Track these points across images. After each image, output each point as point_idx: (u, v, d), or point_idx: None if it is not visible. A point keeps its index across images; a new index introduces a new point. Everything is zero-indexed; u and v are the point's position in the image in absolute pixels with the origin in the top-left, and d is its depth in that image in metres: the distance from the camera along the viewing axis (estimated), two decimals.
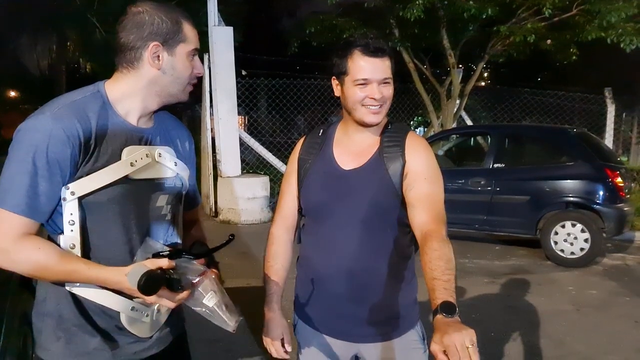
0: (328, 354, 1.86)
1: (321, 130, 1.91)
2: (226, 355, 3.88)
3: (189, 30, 1.52)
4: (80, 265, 1.38)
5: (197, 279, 1.38)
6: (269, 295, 1.83)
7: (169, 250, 1.42)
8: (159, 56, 1.47)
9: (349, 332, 1.82)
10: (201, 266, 1.43)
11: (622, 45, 9.44)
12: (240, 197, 9.22)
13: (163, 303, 1.38)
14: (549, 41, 10.79)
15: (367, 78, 1.70)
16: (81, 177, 1.39)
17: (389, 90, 1.73)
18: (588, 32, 9.75)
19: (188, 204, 1.74)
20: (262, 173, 10.64)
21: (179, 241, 1.66)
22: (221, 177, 9.47)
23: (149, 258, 1.38)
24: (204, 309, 1.40)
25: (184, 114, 18.29)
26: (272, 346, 1.78)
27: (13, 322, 2.73)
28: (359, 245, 1.75)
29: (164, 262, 1.35)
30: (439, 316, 1.33)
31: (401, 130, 1.82)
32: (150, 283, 1.29)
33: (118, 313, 1.48)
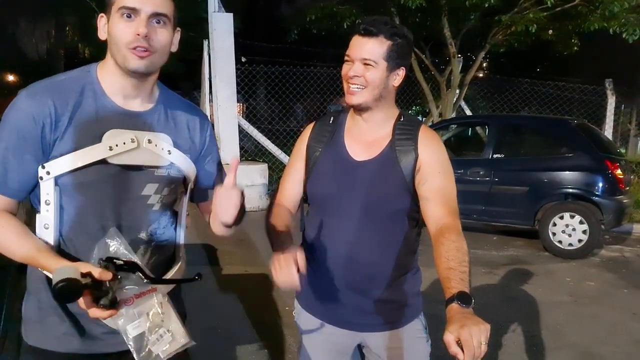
0: (331, 343, 1.85)
1: (332, 118, 1.87)
2: (225, 343, 3.88)
3: None
4: (33, 251, 1.36)
5: (130, 298, 1.30)
6: (276, 245, 1.65)
7: (123, 261, 1.30)
8: (105, 26, 1.43)
9: (353, 321, 1.81)
10: (149, 285, 1.34)
11: (624, 36, 9.39)
12: (238, 184, 9.17)
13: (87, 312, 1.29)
14: (550, 31, 10.73)
15: (348, 54, 1.70)
16: (56, 156, 1.37)
17: (371, 73, 1.67)
18: (590, 22, 9.70)
19: (206, 195, 1.65)
20: (261, 160, 10.61)
21: (175, 234, 1.61)
22: None
23: (101, 259, 1.29)
24: (124, 336, 1.32)
25: None
26: (281, 260, 1.47)
27: (13, 307, 2.72)
28: (366, 237, 1.73)
29: (97, 272, 1.23)
30: (454, 305, 1.32)
31: (413, 122, 1.79)
32: (66, 291, 1.18)
33: None
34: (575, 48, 11.18)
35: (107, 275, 1.24)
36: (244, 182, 9.19)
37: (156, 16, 1.39)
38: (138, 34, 1.36)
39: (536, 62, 20.41)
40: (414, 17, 10.79)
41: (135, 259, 1.33)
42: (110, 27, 1.40)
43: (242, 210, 1.46)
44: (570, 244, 6.75)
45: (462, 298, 1.33)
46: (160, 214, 1.53)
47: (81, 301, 1.24)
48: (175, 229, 1.62)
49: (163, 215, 1.55)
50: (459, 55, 11.98)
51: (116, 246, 1.33)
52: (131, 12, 1.37)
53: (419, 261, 1.89)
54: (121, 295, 1.29)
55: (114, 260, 1.28)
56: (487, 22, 10.98)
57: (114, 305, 1.25)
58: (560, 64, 17.50)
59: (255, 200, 9.30)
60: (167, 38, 1.43)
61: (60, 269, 1.21)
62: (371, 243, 1.74)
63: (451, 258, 1.47)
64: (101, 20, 1.44)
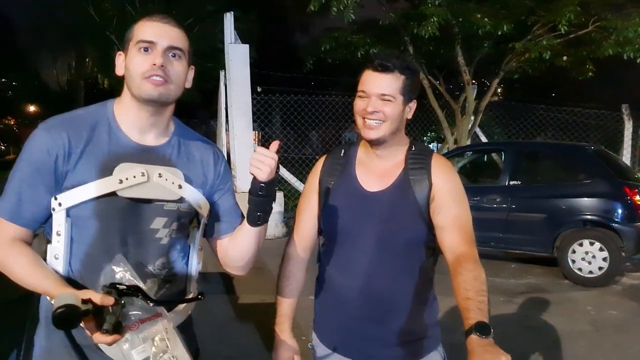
0: None
1: (342, 151, 1.89)
2: None
3: (138, 27, 1.47)
4: (42, 279, 1.38)
5: (134, 323, 1.30)
6: (281, 317, 1.83)
7: (126, 285, 1.30)
8: (123, 62, 1.49)
9: (371, 354, 1.79)
10: (155, 308, 1.34)
11: (638, 61, 9.37)
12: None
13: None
14: (564, 57, 10.75)
15: (365, 90, 1.71)
16: (68, 188, 1.41)
17: (390, 108, 1.69)
18: (604, 48, 9.71)
19: (219, 232, 1.67)
20: (276, 189, 10.62)
21: (186, 269, 1.60)
22: (236, 192, 9.42)
23: (104, 285, 1.29)
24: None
25: (199, 129, 18.44)
26: None
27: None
28: (382, 268, 1.73)
29: (98, 297, 1.23)
30: (473, 336, 1.30)
31: (425, 152, 1.80)
32: (64, 317, 1.19)
33: None
34: (590, 74, 11.16)
35: (109, 301, 1.24)
36: None
37: (172, 49, 1.45)
38: (154, 64, 1.42)
39: (551, 88, 20.39)
40: (428, 45, 10.89)
41: (140, 283, 1.33)
42: (128, 61, 1.46)
43: (272, 174, 1.47)
44: (590, 272, 6.63)
45: (481, 328, 1.31)
46: (168, 247, 1.53)
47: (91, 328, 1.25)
48: (186, 263, 1.61)
49: (172, 249, 1.55)
50: (473, 82, 12.02)
51: (122, 273, 1.34)
52: (148, 46, 1.43)
53: (435, 290, 1.88)
54: (126, 321, 1.29)
55: (117, 286, 1.28)
56: (500, 49, 11.03)
57: (117, 330, 1.25)
58: (575, 89, 17.48)
59: (272, 229, 9.29)
60: (182, 70, 1.48)
61: (60, 295, 1.23)
62: (388, 274, 1.73)
63: (469, 288, 1.46)
64: (119, 58, 1.50)
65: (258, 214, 1.51)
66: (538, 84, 17.98)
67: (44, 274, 1.39)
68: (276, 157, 1.46)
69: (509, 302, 5.86)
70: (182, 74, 1.49)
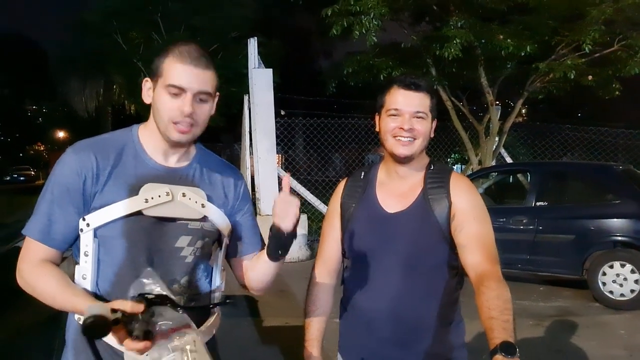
0: None
1: (363, 173, 1.91)
2: None
3: (168, 65, 1.48)
4: (71, 296, 1.41)
5: (164, 332, 1.30)
6: (309, 340, 1.82)
7: (154, 295, 1.32)
8: (150, 90, 1.52)
9: None
10: (184, 320, 1.35)
11: None
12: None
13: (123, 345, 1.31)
14: (590, 77, 10.64)
15: (398, 108, 1.73)
16: (96, 208, 1.45)
17: (422, 125, 1.73)
18: (630, 66, 9.59)
19: (240, 252, 1.70)
20: (300, 211, 10.64)
21: (209, 288, 1.62)
22: (260, 215, 9.51)
23: (134, 296, 1.31)
24: None
25: (223, 153, 18.65)
26: None
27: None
28: (405, 289, 1.72)
29: (128, 305, 1.26)
30: (498, 356, 1.29)
31: (444, 170, 1.81)
32: (93, 327, 1.21)
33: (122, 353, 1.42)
34: (617, 93, 11.02)
35: (139, 308, 1.26)
36: None
37: (201, 94, 1.48)
38: (183, 112, 1.45)
39: (577, 107, 20.17)
40: (450, 67, 10.87)
41: (169, 293, 1.34)
42: (156, 98, 1.49)
43: (296, 223, 1.50)
44: (622, 294, 6.45)
45: (506, 348, 1.30)
46: (193, 266, 1.56)
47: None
48: (209, 282, 1.64)
49: (197, 267, 1.58)
50: (497, 103, 11.96)
51: (151, 285, 1.35)
52: (178, 92, 1.46)
53: (462, 313, 1.86)
54: (155, 330, 1.30)
55: (146, 295, 1.31)
56: (524, 69, 10.97)
57: (148, 337, 1.26)
58: (602, 109, 17.25)
59: (295, 252, 9.29)
60: (208, 110, 1.53)
61: (90, 306, 1.25)
62: (412, 295, 1.72)
63: (492, 307, 1.44)
64: (146, 84, 1.53)
65: (279, 251, 1.53)
66: (563, 104, 17.80)
67: (73, 292, 1.42)
68: (298, 203, 1.48)
69: (538, 325, 5.73)
70: (208, 114, 1.53)
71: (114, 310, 1.25)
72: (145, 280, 1.36)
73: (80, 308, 1.38)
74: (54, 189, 1.46)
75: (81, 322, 1.22)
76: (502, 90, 12.09)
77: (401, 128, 1.72)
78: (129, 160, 1.51)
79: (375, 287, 1.76)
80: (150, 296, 1.30)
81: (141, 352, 1.28)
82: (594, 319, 6.03)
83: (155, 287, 1.35)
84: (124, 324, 1.25)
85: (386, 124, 1.76)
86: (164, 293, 1.34)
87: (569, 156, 13.57)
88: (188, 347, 1.34)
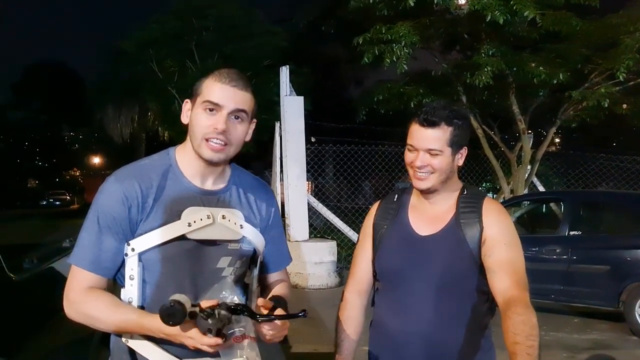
0: None
1: (396, 196, 1.93)
2: None
3: (208, 84, 1.53)
4: (130, 314, 1.45)
5: (238, 336, 1.36)
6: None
7: (235, 304, 1.39)
8: (189, 111, 1.57)
9: None
10: (253, 334, 1.41)
11: None
12: (307, 262, 9.24)
13: (188, 343, 1.37)
14: (624, 106, 10.48)
15: (412, 145, 1.76)
16: (141, 234, 1.49)
17: (438, 160, 1.72)
18: None
19: (268, 267, 1.76)
20: (330, 238, 10.66)
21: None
22: (289, 241, 9.54)
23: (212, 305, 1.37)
24: None
25: None
26: None
27: None
28: (435, 312, 1.72)
29: (204, 303, 1.34)
30: None
31: (477, 195, 1.82)
32: (170, 312, 1.30)
33: None
34: None
35: (212, 303, 1.33)
36: (313, 259, 9.25)
37: (236, 112, 1.52)
38: (216, 128, 1.49)
39: (612, 137, 19.82)
40: (481, 95, 10.84)
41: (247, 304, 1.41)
42: (193, 116, 1.54)
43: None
44: None
45: None
46: (233, 285, 1.60)
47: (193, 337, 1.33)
48: (245, 301, 1.67)
49: (236, 287, 1.60)
50: (529, 131, 11.84)
51: (230, 297, 1.41)
52: (214, 107, 1.50)
53: (494, 342, 1.84)
54: (229, 333, 1.36)
55: (228, 303, 1.37)
56: (556, 97, 10.87)
57: (219, 335, 1.33)
58: (637, 138, 16.91)
59: (324, 278, 9.28)
60: (243, 132, 1.56)
61: (173, 295, 1.33)
62: (440, 317, 1.72)
63: (517, 332, 1.45)
64: (186, 105, 1.59)
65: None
66: (598, 133, 17.53)
67: (126, 310, 1.47)
68: (288, 324, 1.49)
69: (572, 358, 5.58)
70: (242, 135, 1.56)
71: (193, 305, 1.32)
72: (224, 293, 1.42)
73: (137, 321, 1.43)
74: (101, 218, 1.50)
75: (161, 306, 1.31)
76: (534, 118, 11.97)
77: (414, 164, 1.75)
78: (170, 185, 1.55)
79: (403, 309, 1.77)
80: (231, 304, 1.37)
81: (212, 348, 1.34)
82: (631, 353, 5.85)
83: (232, 296, 1.42)
84: (199, 319, 1.32)
85: (406, 157, 1.80)
86: (244, 302, 1.41)
87: (604, 185, 13.30)
88: (254, 356, 1.40)
